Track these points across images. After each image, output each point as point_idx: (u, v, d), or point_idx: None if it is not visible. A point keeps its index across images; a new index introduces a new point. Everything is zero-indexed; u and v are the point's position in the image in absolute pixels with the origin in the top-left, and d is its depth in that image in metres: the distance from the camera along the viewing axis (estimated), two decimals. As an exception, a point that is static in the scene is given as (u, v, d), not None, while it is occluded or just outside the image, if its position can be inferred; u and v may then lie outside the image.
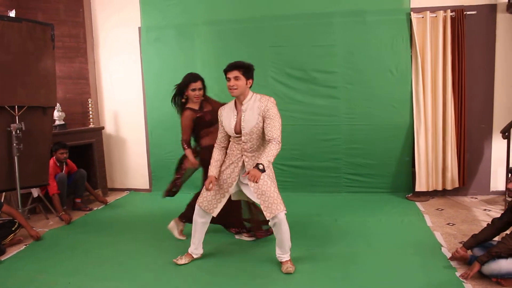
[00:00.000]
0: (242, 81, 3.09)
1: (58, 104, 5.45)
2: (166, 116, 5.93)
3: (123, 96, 6.21)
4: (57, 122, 5.54)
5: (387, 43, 5.21)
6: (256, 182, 2.92)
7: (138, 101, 6.13)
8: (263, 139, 3.20)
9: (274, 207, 3.08)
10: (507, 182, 4.73)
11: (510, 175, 3.03)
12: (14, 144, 4.34)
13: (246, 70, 3.11)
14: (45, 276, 3.37)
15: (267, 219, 3.12)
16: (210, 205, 3.31)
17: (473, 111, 5.15)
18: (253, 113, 3.13)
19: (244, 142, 3.18)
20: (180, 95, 3.88)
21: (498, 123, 5.08)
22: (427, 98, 5.09)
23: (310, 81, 5.39)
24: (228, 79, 3.11)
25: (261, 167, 2.94)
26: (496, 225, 3.15)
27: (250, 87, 3.18)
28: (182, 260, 3.47)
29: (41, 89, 4.61)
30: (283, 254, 3.26)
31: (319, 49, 5.36)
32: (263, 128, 3.14)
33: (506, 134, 4.64)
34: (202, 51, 5.70)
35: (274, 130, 3.06)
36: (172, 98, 3.91)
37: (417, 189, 5.16)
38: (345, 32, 5.30)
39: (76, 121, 6.00)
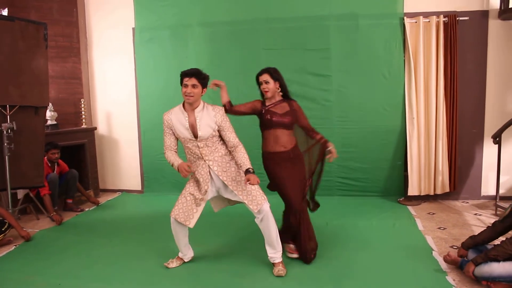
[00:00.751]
0: (199, 89, 3.14)
1: (50, 104, 5.41)
2: (159, 117, 5.83)
3: (116, 97, 6.19)
4: (49, 122, 5.51)
5: (380, 47, 5.24)
6: (257, 183, 3.07)
7: (131, 102, 6.11)
8: (218, 143, 3.26)
9: (258, 199, 3.15)
10: (498, 187, 4.77)
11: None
12: (5, 144, 4.31)
13: (203, 78, 3.15)
14: (35, 277, 3.34)
15: (255, 211, 3.15)
16: (186, 216, 3.25)
17: (465, 116, 5.19)
18: (208, 120, 3.18)
19: (201, 148, 3.20)
20: None
21: (490, 128, 5.12)
22: (419, 102, 5.12)
23: (304, 84, 5.40)
24: (185, 86, 3.13)
25: (251, 170, 3.10)
26: (497, 228, 3.14)
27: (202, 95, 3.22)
28: (173, 264, 3.46)
29: (33, 89, 4.58)
30: (275, 253, 3.27)
31: (312, 52, 5.38)
32: (218, 136, 3.24)
33: (497, 139, 4.68)
34: (195, 53, 5.70)
35: (233, 136, 3.24)
36: None
37: (409, 193, 5.18)
38: (339, 35, 5.32)
39: (68, 121, 5.97)
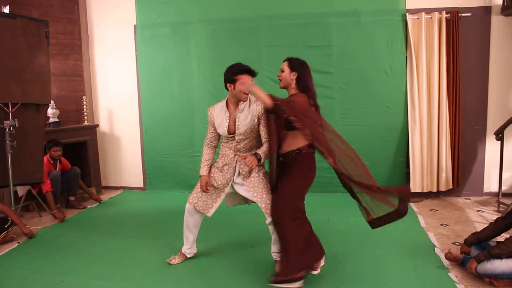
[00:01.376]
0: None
1: (52, 101, 5.42)
2: (161, 114, 5.93)
3: (118, 94, 6.19)
4: (51, 120, 5.51)
5: (382, 44, 5.23)
6: (252, 168, 2.94)
7: (133, 99, 6.11)
8: (255, 140, 3.21)
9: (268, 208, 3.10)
10: (500, 184, 4.76)
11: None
12: (8, 141, 4.31)
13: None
14: (38, 274, 3.35)
15: (266, 215, 3.10)
16: (205, 205, 3.29)
17: (467, 112, 5.18)
18: (249, 114, 3.13)
19: (237, 142, 3.17)
20: None
21: (492, 125, 5.11)
22: (422, 99, 5.11)
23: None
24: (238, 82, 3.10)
25: (258, 156, 2.99)
26: (499, 225, 3.16)
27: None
28: (176, 260, 3.46)
29: (35, 86, 4.58)
30: (279, 252, 3.26)
31: (314, 50, 5.36)
32: (256, 130, 3.16)
33: (500, 135, 4.67)
34: (197, 50, 5.69)
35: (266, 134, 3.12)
36: None
37: (412, 190, 5.17)
38: (341, 32, 5.31)
39: (70, 118, 5.97)
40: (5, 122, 4.29)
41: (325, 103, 5.40)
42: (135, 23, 5.88)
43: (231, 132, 3.17)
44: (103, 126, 6.33)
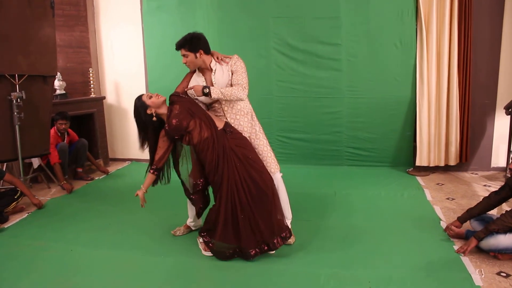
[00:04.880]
0: (191, 56, 3.11)
1: (58, 73, 5.41)
2: (168, 86, 5.81)
3: (124, 66, 6.16)
4: (58, 92, 5.51)
5: (392, 16, 5.11)
6: (195, 91, 3.06)
7: (140, 71, 6.08)
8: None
9: (271, 166, 3.20)
10: (508, 159, 4.73)
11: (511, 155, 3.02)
12: (15, 113, 4.33)
13: (191, 45, 3.09)
14: (48, 243, 3.43)
15: None
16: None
17: (477, 86, 5.09)
18: (223, 71, 3.17)
19: (222, 104, 3.19)
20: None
21: (502, 99, 5.02)
22: (431, 72, 5.02)
23: (313, 53, 5.32)
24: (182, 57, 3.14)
25: (206, 90, 3.03)
26: (492, 200, 3.18)
27: (205, 54, 3.14)
28: (180, 232, 3.51)
29: (41, 58, 4.56)
30: (285, 220, 3.29)
31: (322, 21, 5.26)
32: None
33: (510, 110, 4.60)
34: (203, 21, 5.61)
35: (241, 78, 3.11)
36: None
37: (417, 163, 5.15)
38: (349, 3, 5.18)
39: (77, 90, 5.97)
40: (12, 93, 4.29)
41: (332, 75, 5.37)
42: (141, -7, 5.81)
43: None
44: (110, 98, 6.33)
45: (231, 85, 3.14)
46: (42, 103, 4.68)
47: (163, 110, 3.07)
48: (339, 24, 5.24)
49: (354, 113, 5.42)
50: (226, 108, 3.20)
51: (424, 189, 4.58)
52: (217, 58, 3.21)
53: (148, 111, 3.06)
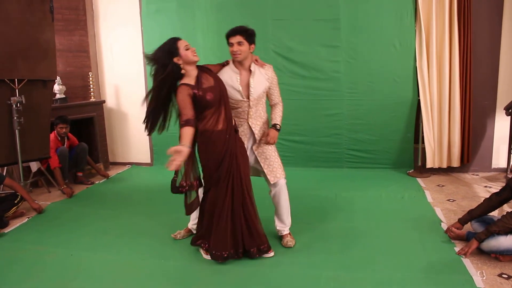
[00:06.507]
0: (245, 46, 3.03)
1: (58, 78, 5.41)
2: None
3: (124, 69, 6.16)
4: (57, 96, 5.52)
5: (391, 17, 5.11)
6: (273, 142, 3.13)
7: (139, 74, 6.08)
8: (262, 105, 3.23)
9: (277, 172, 3.18)
10: (509, 160, 4.72)
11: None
12: (15, 118, 4.33)
13: (249, 35, 3.04)
14: (47, 248, 3.42)
15: (271, 182, 3.18)
16: None
17: (477, 87, 5.07)
18: (261, 79, 3.14)
19: (250, 108, 3.14)
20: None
21: (502, 100, 5.02)
22: (431, 73, 5.01)
23: (312, 55, 5.32)
24: (231, 44, 3.03)
25: (278, 127, 3.16)
26: (493, 202, 3.17)
27: (252, 52, 3.11)
28: (181, 235, 3.50)
29: (41, 62, 4.56)
30: (284, 226, 3.29)
31: (322, 23, 5.27)
32: (265, 94, 3.24)
33: (510, 111, 4.60)
34: (202, 23, 5.62)
35: (278, 94, 3.27)
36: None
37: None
38: (349, 5, 5.19)
39: (77, 94, 5.97)
40: (12, 98, 4.29)
41: (332, 78, 5.38)
42: (140, -3, 5.82)
43: (247, 94, 3.11)
44: (110, 102, 6.33)
45: (267, 96, 3.25)
46: (42, 108, 4.68)
47: (192, 72, 2.89)
48: (338, 26, 5.24)
49: (354, 115, 5.41)
50: (251, 113, 3.16)
51: (425, 191, 4.57)
52: (256, 60, 3.18)
53: (176, 60, 2.85)
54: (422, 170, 5.21)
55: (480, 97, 5.11)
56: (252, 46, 3.07)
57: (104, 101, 6.21)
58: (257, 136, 3.19)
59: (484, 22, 4.97)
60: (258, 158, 3.20)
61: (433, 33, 4.94)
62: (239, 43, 3.00)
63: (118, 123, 6.37)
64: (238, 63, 3.10)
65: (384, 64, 5.22)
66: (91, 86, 5.96)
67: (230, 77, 3.10)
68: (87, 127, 6.01)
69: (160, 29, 5.77)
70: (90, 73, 5.97)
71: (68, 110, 5.47)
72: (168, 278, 2.91)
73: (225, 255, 2.97)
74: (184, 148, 2.67)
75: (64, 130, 5.09)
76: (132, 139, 6.36)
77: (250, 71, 3.10)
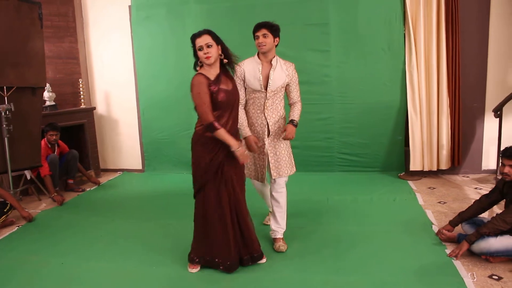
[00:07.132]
0: (270, 38, 3.16)
1: (48, 85, 5.37)
2: (158, 95, 5.90)
3: (115, 76, 6.14)
4: (47, 103, 5.48)
5: (380, 21, 5.16)
6: (291, 138, 3.20)
7: (130, 81, 6.07)
8: (280, 99, 3.30)
9: (283, 169, 3.26)
10: (498, 161, 4.76)
11: (501, 158, 3.06)
12: (4, 126, 4.29)
13: (273, 29, 3.18)
14: (38, 257, 3.38)
15: (273, 177, 3.24)
16: (257, 174, 3.33)
17: (466, 89, 5.13)
18: (281, 74, 3.23)
19: (267, 99, 3.21)
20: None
21: (491, 102, 5.07)
22: (420, 77, 5.06)
23: (302, 59, 5.33)
24: (257, 37, 3.19)
25: (295, 122, 3.25)
26: (483, 203, 3.22)
27: (276, 45, 3.26)
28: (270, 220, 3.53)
29: (30, 69, 4.54)
30: (278, 228, 3.29)
31: (311, 28, 5.30)
32: (284, 91, 3.33)
33: (499, 113, 4.64)
34: (193, 30, 5.47)
35: (298, 93, 3.37)
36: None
37: (411, 168, 5.16)
38: (338, 10, 5.23)
39: (67, 101, 5.94)
40: (1, 106, 4.25)
41: (323, 82, 5.40)
42: (129, 4, 5.80)
43: (266, 85, 3.20)
44: (100, 108, 6.30)
45: (285, 90, 3.34)
46: (32, 115, 4.65)
47: (212, 71, 2.91)
48: (328, 31, 5.28)
49: (345, 118, 5.44)
50: (267, 105, 3.22)
51: (416, 193, 4.59)
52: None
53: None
54: (413, 172, 5.24)
55: (469, 99, 5.16)
56: (277, 39, 3.23)
57: (94, 108, 6.18)
58: (271, 129, 3.23)
59: (472, 25, 5.03)
60: (268, 151, 3.24)
61: (421, 36, 4.99)
62: (264, 35, 3.16)
63: (109, 130, 6.34)
64: (262, 56, 3.23)
65: (374, 68, 5.25)
66: (81, 93, 5.93)
67: (253, 67, 3.23)
68: (78, 134, 5.97)
69: (150, 35, 5.77)
70: (80, 80, 5.95)
71: (58, 117, 5.44)
72: (161, 285, 2.89)
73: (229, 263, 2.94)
74: (241, 147, 2.84)
75: (54, 137, 5.06)
76: (123, 145, 6.34)
77: (271, 64, 3.22)
